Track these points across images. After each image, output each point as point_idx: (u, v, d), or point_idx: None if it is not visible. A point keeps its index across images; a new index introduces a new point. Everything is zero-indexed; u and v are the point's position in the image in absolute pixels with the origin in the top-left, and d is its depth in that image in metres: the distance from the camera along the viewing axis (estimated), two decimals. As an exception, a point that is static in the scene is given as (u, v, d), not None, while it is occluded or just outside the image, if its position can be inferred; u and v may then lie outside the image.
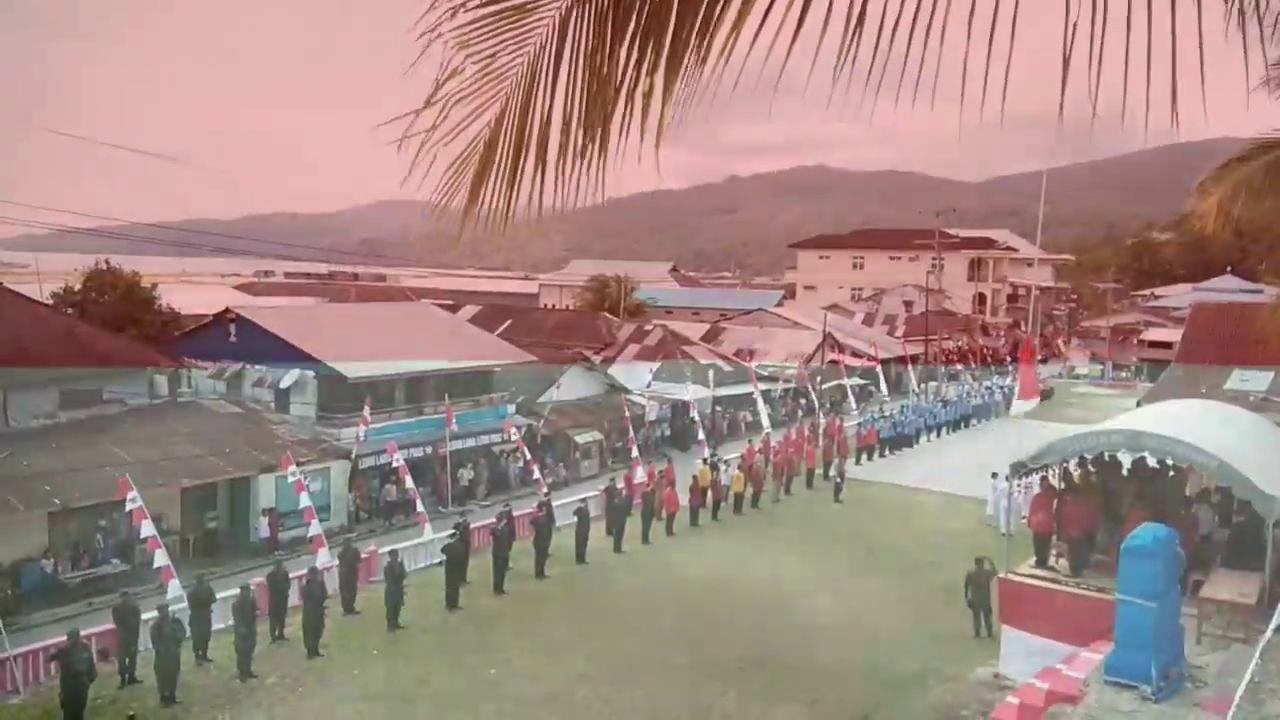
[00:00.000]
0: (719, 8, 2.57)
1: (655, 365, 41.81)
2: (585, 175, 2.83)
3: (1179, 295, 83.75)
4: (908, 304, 71.97)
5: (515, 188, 2.92)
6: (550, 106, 2.83)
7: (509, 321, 47.13)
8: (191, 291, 52.66)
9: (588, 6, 2.74)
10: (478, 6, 2.75)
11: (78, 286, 38.68)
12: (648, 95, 2.69)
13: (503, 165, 2.91)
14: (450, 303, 51.93)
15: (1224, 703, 10.66)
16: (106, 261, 40.16)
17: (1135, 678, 11.57)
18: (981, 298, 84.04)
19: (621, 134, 2.77)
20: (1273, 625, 12.44)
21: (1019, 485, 21.03)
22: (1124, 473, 19.09)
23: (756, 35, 2.52)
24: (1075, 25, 2.39)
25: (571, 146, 2.82)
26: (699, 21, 2.60)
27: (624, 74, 2.71)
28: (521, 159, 2.89)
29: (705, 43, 2.61)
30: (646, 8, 2.65)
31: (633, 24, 2.68)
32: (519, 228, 3.09)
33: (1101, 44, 2.40)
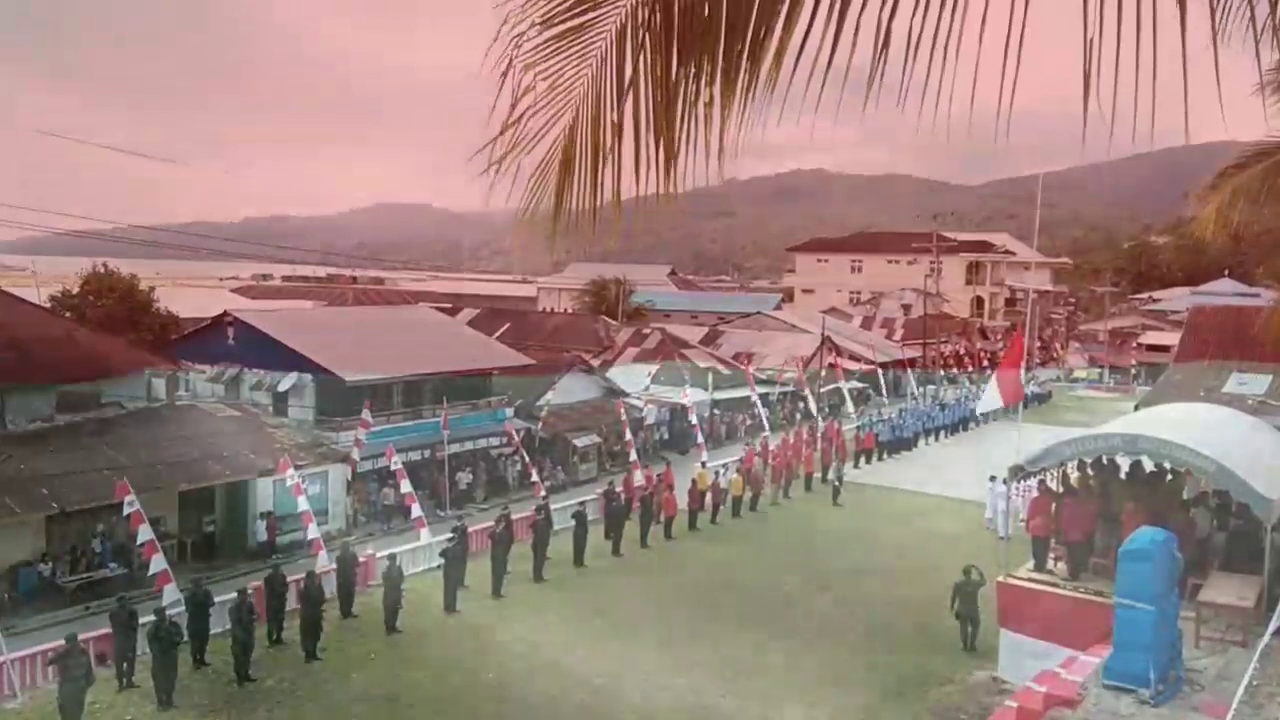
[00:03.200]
0: (763, 31, 2.72)
1: (653, 368, 41.80)
2: (655, 177, 3.02)
3: (1176, 299, 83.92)
4: (906, 307, 71.97)
5: (598, 192, 3.11)
6: (621, 116, 3.03)
7: (507, 325, 47.11)
8: (189, 295, 52.57)
9: (642, 18, 2.88)
10: (540, 30, 2.97)
11: (75, 290, 38.63)
12: (709, 105, 2.86)
13: (582, 171, 3.11)
14: (448, 306, 51.92)
15: (1222, 706, 10.67)
16: (104, 265, 40.12)
17: (1133, 681, 11.58)
18: (979, 301, 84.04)
19: (688, 142, 2.95)
20: (1271, 629, 12.46)
21: (1017, 488, 21.04)
22: (1122, 476, 19.13)
23: (799, 54, 2.67)
24: (1073, 33, 2.42)
25: (645, 152, 3.01)
26: (748, 45, 2.76)
27: (685, 85, 2.89)
28: (600, 165, 3.09)
29: (756, 66, 2.78)
30: (696, 26, 2.80)
31: (685, 40, 2.84)
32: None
33: (1104, 49, 2.42)
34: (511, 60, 2.94)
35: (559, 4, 2.93)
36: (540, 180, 3.12)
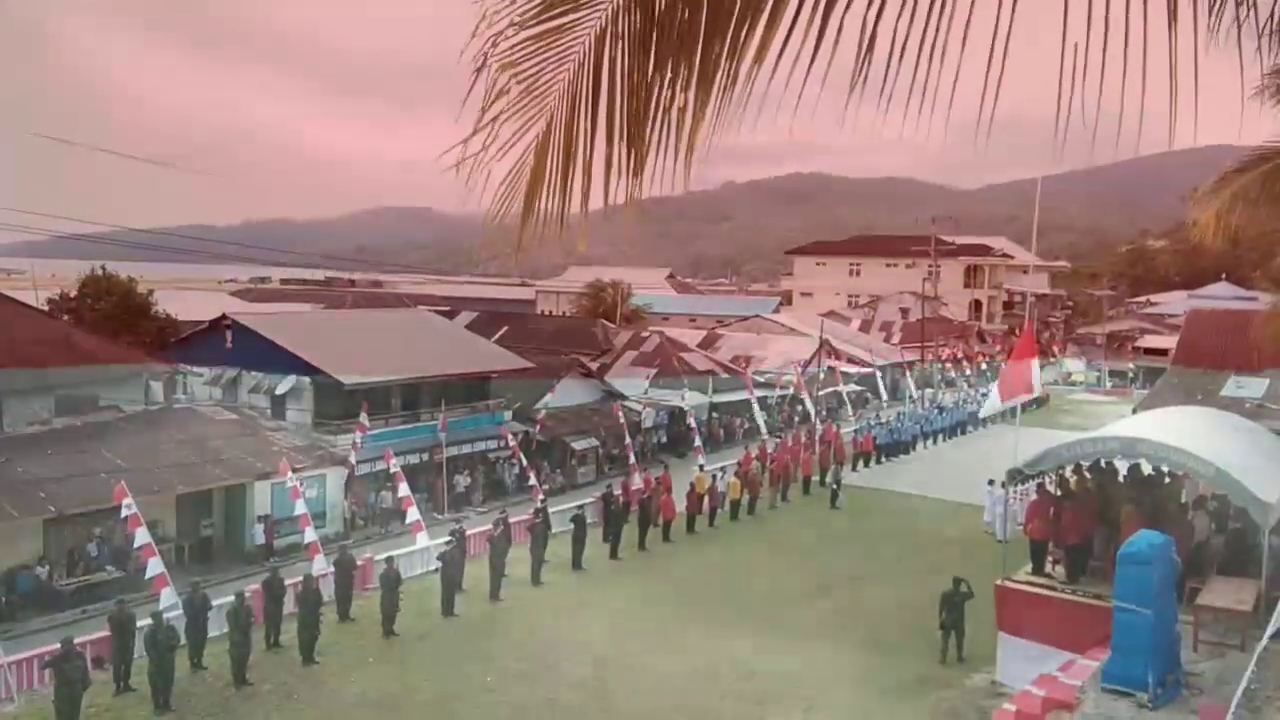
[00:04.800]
0: (744, 32, 2.69)
1: (652, 372, 41.79)
2: (626, 184, 2.98)
3: (1174, 302, 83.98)
4: (904, 311, 72.02)
5: (567, 196, 3.05)
6: (594, 120, 2.98)
7: (506, 328, 47.04)
8: (188, 297, 52.54)
9: (622, 22, 2.86)
10: (520, 29, 2.91)
11: (74, 292, 38.64)
12: (683, 111, 2.82)
13: (553, 175, 3.05)
14: (447, 309, 51.85)
15: (1221, 710, 10.67)
16: (103, 267, 40.12)
17: (1132, 685, 11.58)
18: (978, 304, 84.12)
19: (659, 148, 2.90)
20: (1269, 632, 12.45)
21: (1016, 492, 21.04)
22: (1120, 479, 19.12)
23: (779, 56, 2.63)
24: (1070, 36, 2.42)
25: (616, 158, 2.96)
26: (727, 47, 2.72)
27: (660, 90, 2.84)
28: (571, 168, 3.03)
29: (734, 66, 2.73)
30: (676, 30, 2.76)
31: (664, 44, 2.80)
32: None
33: (1092, 51, 2.43)
34: (487, 59, 2.89)
35: (538, 3, 2.87)
36: (512, 184, 3.07)
